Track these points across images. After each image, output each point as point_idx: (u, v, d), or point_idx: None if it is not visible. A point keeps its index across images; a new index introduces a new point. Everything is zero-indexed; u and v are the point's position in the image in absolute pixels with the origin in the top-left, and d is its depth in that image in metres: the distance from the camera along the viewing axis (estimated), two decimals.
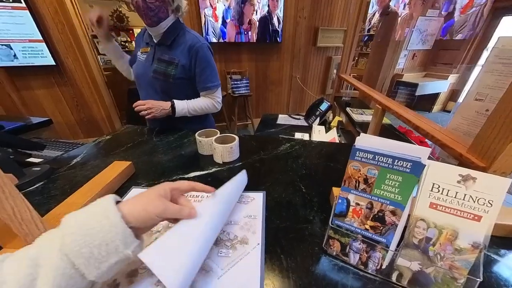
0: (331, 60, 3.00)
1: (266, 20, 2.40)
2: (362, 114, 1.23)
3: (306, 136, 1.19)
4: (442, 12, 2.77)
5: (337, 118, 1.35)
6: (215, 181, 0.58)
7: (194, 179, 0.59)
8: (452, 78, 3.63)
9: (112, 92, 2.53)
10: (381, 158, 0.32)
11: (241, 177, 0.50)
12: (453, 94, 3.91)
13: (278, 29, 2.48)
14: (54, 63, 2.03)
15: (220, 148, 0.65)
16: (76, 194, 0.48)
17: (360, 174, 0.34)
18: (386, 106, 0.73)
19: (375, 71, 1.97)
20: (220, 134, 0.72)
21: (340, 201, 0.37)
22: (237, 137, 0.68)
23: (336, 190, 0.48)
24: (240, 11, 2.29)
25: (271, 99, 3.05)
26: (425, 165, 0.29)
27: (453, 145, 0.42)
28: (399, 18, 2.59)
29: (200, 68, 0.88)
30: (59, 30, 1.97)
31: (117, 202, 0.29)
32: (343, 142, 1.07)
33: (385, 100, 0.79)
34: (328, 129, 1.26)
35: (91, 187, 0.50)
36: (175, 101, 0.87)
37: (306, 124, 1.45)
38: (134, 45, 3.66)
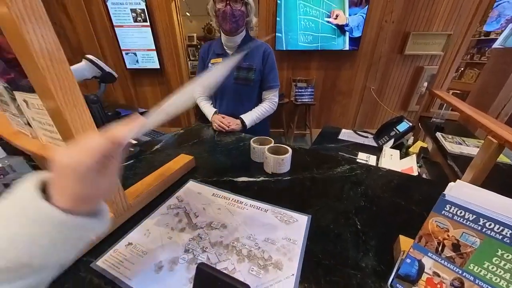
0: (422, 70, 2.48)
1: (341, 27, 2.24)
2: (460, 144, 0.94)
3: (372, 159, 1.02)
4: None
5: (419, 144, 1.08)
6: (261, 191, 0.58)
7: (241, 184, 0.60)
8: None
9: None
10: (490, 224, 0.22)
11: None
12: None
13: (355, 35, 2.26)
14: (159, 67, 2.62)
15: (272, 158, 0.64)
16: (150, 176, 0.58)
17: (448, 236, 0.24)
18: (506, 140, 0.52)
19: (492, 87, 1.46)
20: (274, 143, 0.71)
21: (408, 260, 0.28)
22: (290, 150, 0.66)
23: (404, 241, 0.37)
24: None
25: (336, 111, 2.81)
26: None
27: None
28: None
29: (269, 70, 1.01)
30: (166, 41, 2.52)
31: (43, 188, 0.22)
32: (424, 175, 0.85)
33: (506, 131, 0.56)
34: (404, 155, 1.03)
35: (161, 172, 0.60)
36: (243, 116, 1.00)
37: (374, 144, 1.25)
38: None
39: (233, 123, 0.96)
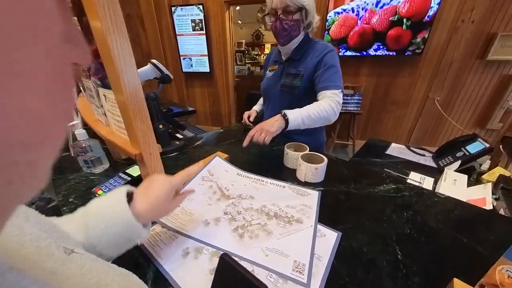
0: (511, 80, 1.99)
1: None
2: None
3: (428, 182, 0.87)
4: None
5: (498, 170, 0.86)
6: None
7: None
8: None
9: (236, 94, 3.18)
10: None
11: None
12: None
13: (418, 39, 1.98)
14: (209, 71, 2.87)
15: (305, 166, 0.62)
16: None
17: None
18: None
19: None
20: (309, 151, 0.68)
21: None
22: (326, 159, 0.62)
23: (460, 286, 0.30)
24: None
25: (387, 122, 2.51)
26: None
27: None
28: None
29: (323, 69, 0.83)
30: (217, 48, 2.74)
31: (130, 194, 0.34)
32: (502, 211, 0.67)
33: None
34: (474, 182, 0.85)
35: (199, 165, 0.65)
36: (287, 111, 0.75)
37: (433, 165, 1.06)
38: (263, 58, 4.40)
39: (267, 127, 0.73)
